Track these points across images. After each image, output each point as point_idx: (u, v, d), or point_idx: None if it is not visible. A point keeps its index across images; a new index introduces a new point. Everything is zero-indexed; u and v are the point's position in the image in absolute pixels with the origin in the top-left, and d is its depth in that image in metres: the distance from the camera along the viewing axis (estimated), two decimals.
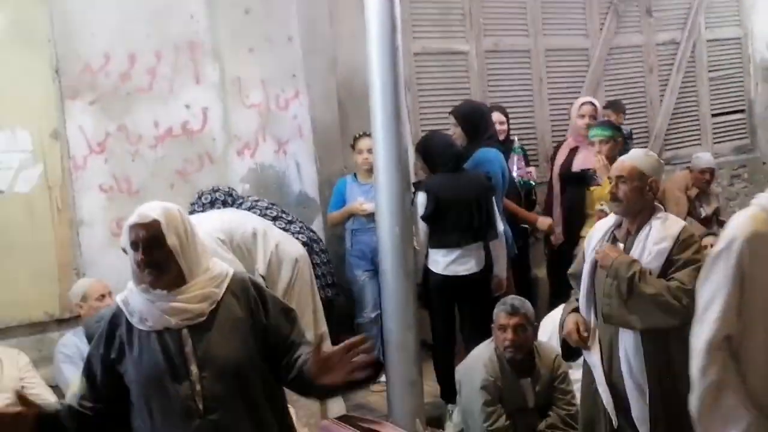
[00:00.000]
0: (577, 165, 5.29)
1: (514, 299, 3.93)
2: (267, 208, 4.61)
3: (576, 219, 5.16)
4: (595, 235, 3.57)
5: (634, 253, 3.36)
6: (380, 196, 4.47)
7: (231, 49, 5.10)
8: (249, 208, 4.54)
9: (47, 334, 4.52)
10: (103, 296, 4.19)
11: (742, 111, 7.49)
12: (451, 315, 4.73)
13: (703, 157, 6.31)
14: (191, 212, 4.34)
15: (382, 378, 4.20)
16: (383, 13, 4.45)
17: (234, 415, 2.32)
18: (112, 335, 2.44)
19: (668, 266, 3.30)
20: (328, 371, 2.21)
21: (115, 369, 2.40)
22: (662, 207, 3.51)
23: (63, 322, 4.57)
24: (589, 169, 5.15)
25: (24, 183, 4.53)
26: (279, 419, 2.44)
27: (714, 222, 6.14)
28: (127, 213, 4.58)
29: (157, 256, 2.34)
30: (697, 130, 7.25)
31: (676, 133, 7.11)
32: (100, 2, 4.75)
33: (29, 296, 4.50)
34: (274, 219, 4.56)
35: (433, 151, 4.79)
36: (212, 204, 4.51)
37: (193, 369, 2.30)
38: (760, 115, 7.52)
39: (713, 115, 7.33)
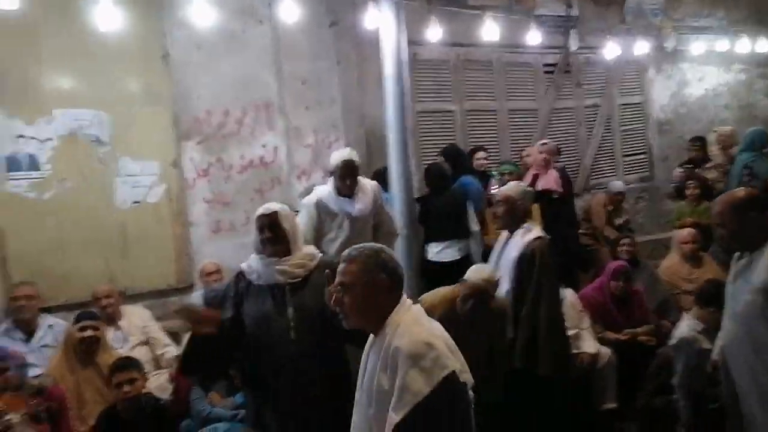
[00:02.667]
0: (540, 186, 5.35)
1: None
2: None
3: None
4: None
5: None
6: (394, 208, 4.62)
7: (293, 107, 5.21)
8: None
9: (167, 298, 4.59)
10: (210, 273, 4.35)
11: (644, 153, 7.58)
12: None
13: (617, 184, 6.40)
14: None
15: None
16: (397, 84, 4.62)
17: (313, 345, 2.42)
18: (236, 288, 2.60)
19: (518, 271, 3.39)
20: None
21: (239, 310, 2.55)
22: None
23: (179, 290, 4.66)
24: (548, 189, 5.30)
25: (153, 196, 4.63)
26: (340, 354, 2.53)
27: (625, 228, 6.26)
28: (221, 217, 4.88)
29: (275, 234, 2.52)
30: (613, 165, 7.32)
31: (598, 168, 7.19)
32: (204, 74, 4.87)
33: (155, 272, 4.60)
34: None
35: (431, 176, 4.96)
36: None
37: (290, 311, 2.44)
38: (656, 155, 7.59)
39: (624, 156, 7.40)
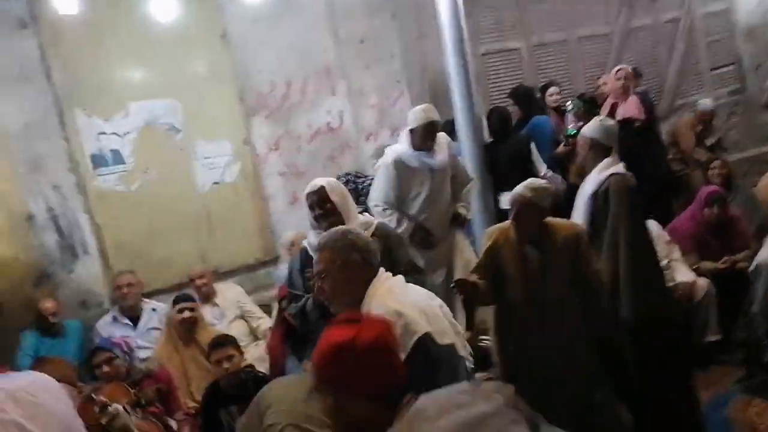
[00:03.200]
0: (620, 115, 4.96)
1: None
2: None
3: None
4: None
5: None
6: (464, 154, 4.51)
7: (353, 68, 5.12)
8: (369, 184, 4.47)
9: (256, 272, 4.73)
10: (294, 244, 4.37)
11: (732, 64, 6.96)
12: None
13: (705, 102, 5.94)
14: None
15: None
16: (454, 30, 4.45)
17: None
18: (303, 262, 2.65)
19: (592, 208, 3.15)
20: None
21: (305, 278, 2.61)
22: None
23: (266, 263, 4.78)
24: (629, 117, 4.95)
25: (229, 175, 4.71)
26: None
27: (717, 148, 5.84)
28: (297, 188, 4.95)
29: (326, 208, 2.53)
30: (700, 82, 6.78)
31: (683, 86, 6.69)
32: (263, 49, 4.85)
33: (241, 248, 4.72)
34: None
35: (491, 123, 4.78)
36: (345, 183, 4.45)
37: None
38: (746, 66, 6.94)
39: (711, 70, 6.83)
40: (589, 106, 5.19)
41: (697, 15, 6.72)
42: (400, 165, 3.81)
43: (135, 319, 4.01)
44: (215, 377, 3.05)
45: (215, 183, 4.69)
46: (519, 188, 2.75)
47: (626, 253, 3.08)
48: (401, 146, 3.88)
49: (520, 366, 2.72)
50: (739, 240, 4.12)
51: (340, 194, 2.60)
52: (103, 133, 4.41)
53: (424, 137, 3.78)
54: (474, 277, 2.80)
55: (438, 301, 1.88)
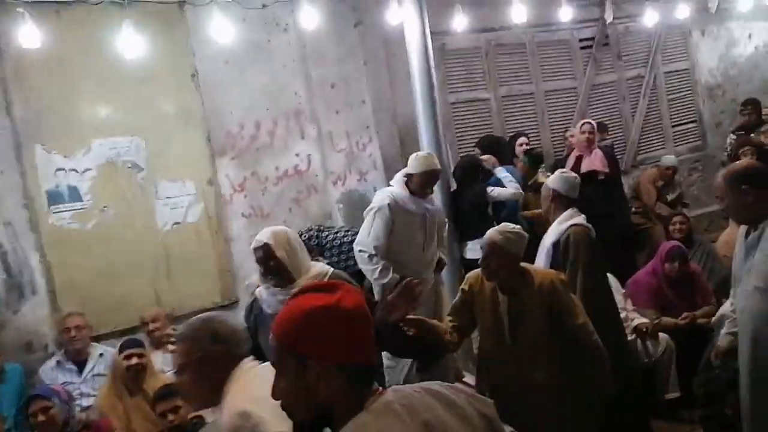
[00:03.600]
0: (584, 167, 5.07)
1: None
2: (345, 234, 4.47)
3: None
4: None
5: None
6: None
7: (323, 112, 5.09)
8: (333, 238, 4.46)
9: None
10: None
11: (694, 121, 7.14)
12: None
13: (668, 158, 6.08)
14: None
15: None
16: (424, 78, 4.51)
17: None
18: (250, 314, 2.56)
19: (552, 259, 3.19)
20: (393, 310, 2.12)
21: (256, 338, 2.47)
22: None
23: (225, 307, 4.61)
24: (594, 171, 5.01)
25: (192, 216, 4.60)
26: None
27: (678, 204, 5.92)
28: (261, 230, 4.81)
29: (271, 265, 2.43)
30: (662, 138, 6.94)
31: (646, 142, 6.83)
32: (233, 90, 4.81)
33: (201, 291, 4.57)
34: (352, 241, 4.13)
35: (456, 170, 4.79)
36: (308, 240, 4.37)
37: None
38: (707, 122, 7.15)
39: (673, 126, 7.00)
40: (534, 160, 5.28)
41: (660, 73, 6.91)
42: (396, 208, 3.74)
43: (81, 364, 3.81)
44: (161, 430, 2.88)
45: (176, 223, 4.56)
46: (490, 231, 2.69)
47: (584, 304, 3.04)
48: (397, 189, 3.82)
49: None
50: (699, 295, 4.12)
51: (286, 249, 2.46)
52: (62, 170, 4.27)
53: (424, 184, 3.77)
54: (447, 319, 2.74)
55: None
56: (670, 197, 5.84)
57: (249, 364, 1.67)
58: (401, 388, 1.27)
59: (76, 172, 4.31)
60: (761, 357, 2.44)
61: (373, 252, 3.72)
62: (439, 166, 3.83)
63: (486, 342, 2.72)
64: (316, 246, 4.37)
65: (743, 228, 2.59)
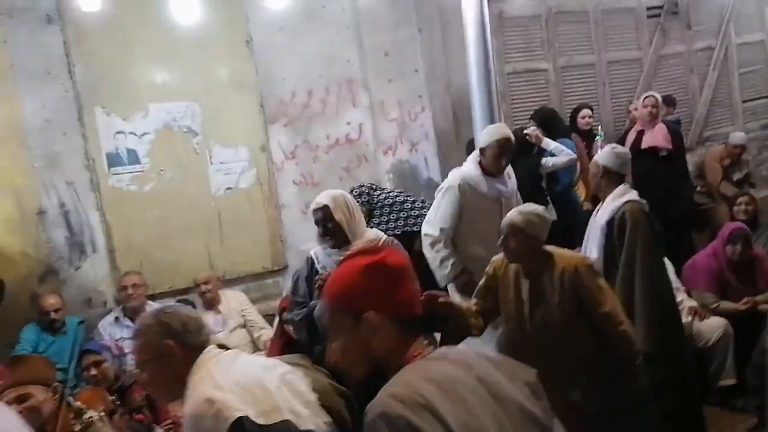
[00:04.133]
0: (645, 143, 4.85)
1: None
2: (398, 195, 4.39)
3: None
4: None
5: None
6: None
7: (376, 81, 5.04)
8: (384, 198, 4.33)
9: (264, 281, 4.65)
10: None
11: (766, 97, 6.73)
12: None
13: (737, 135, 5.76)
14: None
15: None
16: (480, 48, 4.32)
17: None
18: (310, 271, 2.61)
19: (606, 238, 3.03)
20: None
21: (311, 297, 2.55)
22: None
23: (274, 272, 4.70)
24: (655, 146, 4.80)
25: (244, 181, 4.65)
26: None
27: (745, 183, 5.62)
28: (311, 198, 4.79)
29: (330, 227, 2.47)
30: (731, 114, 6.57)
31: (714, 118, 6.48)
32: (287, 57, 4.80)
33: (252, 255, 4.64)
34: (403, 202, 4.29)
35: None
36: (359, 195, 4.26)
37: None
38: None
39: (743, 102, 6.61)
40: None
41: (731, 45, 6.52)
42: (467, 188, 3.41)
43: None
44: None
45: (229, 188, 4.63)
46: (511, 212, 2.56)
47: (642, 285, 2.94)
48: (468, 168, 3.49)
49: None
50: (761, 280, 3.92)
51: (345, 212, 2.53)
52: (121, 133, 4.39)
53: (497, 156, 3.40)
54: (472, 302, 2.66)
55: (280, 370, 1.62)
56: (736, 177, 5.55)
57: (212, 352, 1.63)
58: (455, 347, 1.31)
59: (135, 135, 4.42)
60: None
61: (438, 235, 3.43)
62: (512, 136, 3.49)
63: (507, 327, 2.61)
64: (366, 203, 4.25)
65: None
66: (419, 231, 3.71)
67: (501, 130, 3.50)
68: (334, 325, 1.29)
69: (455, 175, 3.52)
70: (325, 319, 1.30)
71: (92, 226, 4.28)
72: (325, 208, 2.51)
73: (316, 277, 2.51)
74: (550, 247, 2.57)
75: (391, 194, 4.42)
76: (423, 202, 4.40)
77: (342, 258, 1.34)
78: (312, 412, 1.56)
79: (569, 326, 2.47)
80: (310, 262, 2.64)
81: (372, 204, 4.41)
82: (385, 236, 2.63)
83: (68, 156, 4.24)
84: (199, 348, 1.63)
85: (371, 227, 4.40)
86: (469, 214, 3.42)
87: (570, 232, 4.31)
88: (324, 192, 2.67)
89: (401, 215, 4.23)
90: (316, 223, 2.55)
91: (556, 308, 2.47)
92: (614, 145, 3.50)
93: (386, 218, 4.28)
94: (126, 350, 3.43)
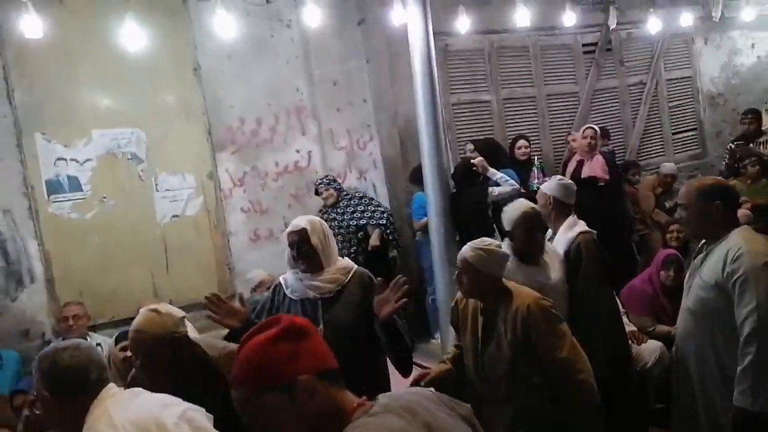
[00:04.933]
0: (585, 173, 5.03)
1: None
2: (357, 191, 4.91)
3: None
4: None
5: None
6: (430, 207, 4.46)
7: (325, 110, 5.09)
8: (347, 193, 4.82)
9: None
10: (269, 287, 4.22)
11: (694, 129, 7.13)
12: None
13: (668, 165, 6.04)
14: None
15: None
16: (426, 79, 4.45)
17: (344, 360, 2.30)
18: (273, 300, 2.56)
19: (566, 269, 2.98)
20: (384, 305, 2.21)
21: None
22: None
23: None
24: (594, 177, 4.99)
25: (191, 209, 4.61)
26: (375, 368, 2.42)
27: (677, 211, 5.88)
28: (259, 225, 4.84)
29: (305, 250, 2.43)
30: (662, 145, 6.93)
31: (646, 148, 6.82)
32: (235, 85, 4.81)
33: (198, 283, 4.52)
34: (362, 197, 4.84)
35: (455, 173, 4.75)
36: (332, 182, 4.76)
37: (321, 327, 2.33)
38: (707, 131, 7.14)
39: (673, 133, 6.99)
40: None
41: (661, 80, 6.90)
42: None
43: None
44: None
45: (175, 216, 4.56)
46: (464, 248, 2.44)
47: (600, 313, 2.99)
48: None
49: None
50: None
51: (321, 237, 2.50)
52: (62, 159, 4.27)
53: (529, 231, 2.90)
54: (450, 347, 2.67)
55: (181, 407, 1.60)
56: (668, 204, 5.82)
57: (112, 390, 1.61)
58: (392, 394, 1.25)
59: (77, 162, 4.30)
60: (683, 369, 2.54)
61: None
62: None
63: (466, 358, 2.53)
64: (336, 189, 4.79)
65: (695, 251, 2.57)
66: (375, 223, 4.62)
67: (526, 205, 2.93)
68: (264, 412, 1.15)
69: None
70: (251, 412, 1.16)
71: (30, 255, 4.13)
72: (302, 231, 2.46)
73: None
74: (510, 284, 2.44)
75: (351, 191, 4.92)
76: (379, 203, 4.89)
77: (241, 344, 1.23)
78: None
79: (515, 370, 2.32)
80: (279, 290, 2.60)
81: (340, 192, 4.77)
82: (355, 267, 2.61)
83: (5, 183, 4.10)
84: (96, 386, 1.60)
85: (338, 212, 4.72)
86: None
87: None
88: (300, 216, 2.63)
89: (359, 208, 4.76)
90: (291, 246, 2.47)
91: (505, 349, 2.33)
92: (560, 177, 3.63)
93: (351, 209, 4.75)
94: None
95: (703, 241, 2.48)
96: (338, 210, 4.76)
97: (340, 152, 5.14)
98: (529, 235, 2.78)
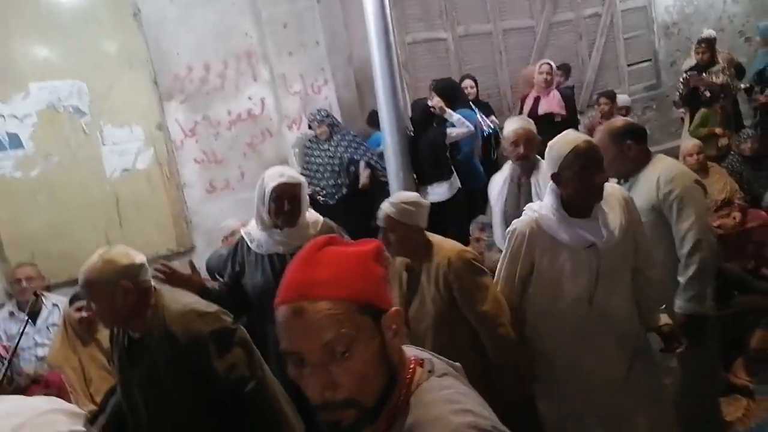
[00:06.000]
0: (542, 109, 5.00)
1: (483, 218, 3.53)
2: (357, 135, 4.78)
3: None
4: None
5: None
6: (387, 151, 4.40)
7: (276, 54, 4.87)
8: (344, 133, 4.70)
9: (170, 263, 4.48)
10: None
11: (649, 60, 7.12)
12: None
13: (622, 98, 6.06)
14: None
15: None
16: (379, 18, 4.31)
17: None
18: (236, 254, 2.52)
19: None
20: None
21: (239, 277, 2.48)
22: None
23: (181, 254, 4.52)
24: (551, 113, 4.96)
25: (142, 162, 4.44)
26: None
27: None
28: (215, 176, 4.71)
29: (294, 207, 2.37)
30: (617, 77, 6.91)
31: (602, 81, 6.77)
32: (179, 29, 4.58)
33: (154, 238, 4.45)
34: (347, 133, 4.71)
35: (412, 115, 4.67)
36: (326, 117, 4.64)
37: None
38: (662, 62, 7.13)
39: (628, 65, 6.97)
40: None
41: (616, 11, 6.82)
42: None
43: (34, 315, 3.70)
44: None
45: (125, 170, 4.40)
46: (385, 203, 2.33)
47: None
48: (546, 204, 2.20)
49: None
50: None
51: (305, 195, 2.47)
52: (0, 116, 4.04)
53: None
54: None
55: (17, 420, 1.13)
56: None
57: None
58: (418, 350, 1.09)
59: (16, 118, 4.09)
60: None
61: None
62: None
63: None
64: (330, 123, 4.67)
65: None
66: (366, 161, 4.56)
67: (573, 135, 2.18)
68: (347, 335, 0.90)
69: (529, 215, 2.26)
70: (334, 328, 0.89)
71: None
72: (297, 186, 2.38)
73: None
74: (432, 236, 2.36)
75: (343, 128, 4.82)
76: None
77: (309, 245, 0.99)
78: None
79: (441, 326, 2.25)
80: (243, 244, 2.52)
81: (333, 128, 4.67)
82: (323, 219, 2.53)
83: None
84: None
85: (331, 145, 4.67)
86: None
87: (473, 198, 4.44)
88: (287, 168, 2.53)
89: (353, 145, 4.65)
90: (280, 197, 2.35)
91: (429, 305, 2.26)
92: (522, 116, 3.61)
93: (345, 143, 4.64)
94: (29, 344, 3.21)
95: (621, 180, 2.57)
96: (331, 143, 4.65)
97: (294, 97, 4.97)
98: (583, 177, 2.03)
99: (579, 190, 2.04)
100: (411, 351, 1.04)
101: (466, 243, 3.30)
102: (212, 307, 1.99)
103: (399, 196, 2.37)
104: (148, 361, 1.94)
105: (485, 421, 0.89)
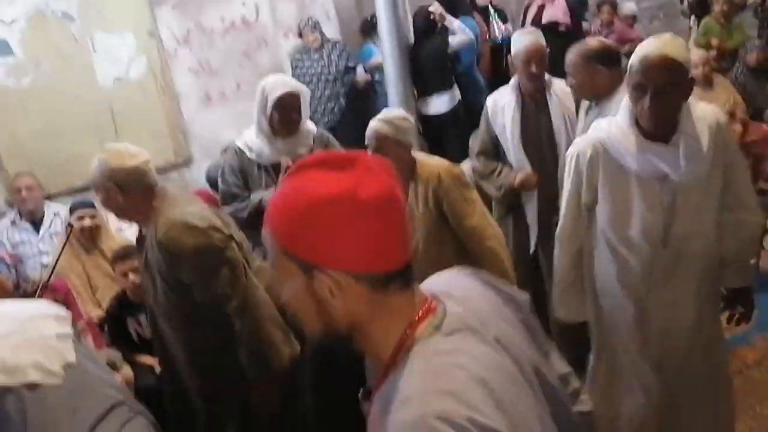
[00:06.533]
0: (546, 17, 4.83)
1: None
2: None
3: None
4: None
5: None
6: (386, 60, 4.30)
7: None
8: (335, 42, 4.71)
9: (167, 174, 4.43)
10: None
11: None
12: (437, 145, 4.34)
13: (627, 6, 5.88)
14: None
15: None
16: None
17: None
18: (239, 165, 2.50)
19: None
20: None
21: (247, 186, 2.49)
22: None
23: (179, 165, 4.52)
24: (555, 22, 4.80)
25: (135, 71, 4.34)
26: None
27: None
28: (210, 87, 4.62)
29: (294, 117, 2.39)
30: None
31: None
32: None
33: (151, 149, 4.22)
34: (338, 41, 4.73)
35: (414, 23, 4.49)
36: (314, 27, 4.59)
37: None
38: None
39: None
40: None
41: None
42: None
43: (37, 223, 3.73)
44: (122, 288, 2.91)
45: (118, 79, 4.30)
46: (373, 121, 2.26)
47: None
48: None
49: None
50: None
51: (306, 106, 2.45)
52: None
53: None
54: None
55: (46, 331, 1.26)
56: (628, 47, 5.72)
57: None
58: (456, 289, 0.94)
59: (3, 22, 3.96)
60: None
61: None
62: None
63: None
64: (320, 34, 4.68)
65: (585, 105, 2.59)
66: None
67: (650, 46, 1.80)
68: (275, 263, 0.88)
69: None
70: (269, 254, 0.90)
71: None
72: (298, 97, 2.38)
73: (285, 162, 2.34)
74: (416, 154, 2.35)
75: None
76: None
77: (295, 164, 0.91)
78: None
79: (430, 244, 2.23)
80: (240, 155, 2.49)
81: (323, 37, 4.66)
82: (315, 129, 2.54)
83: None
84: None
85: (324, 54, 4.63)
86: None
87: (472, 111, 4.37)
88: (287, 77, 2.56)
89: (344, 54, 4.67)
90: (282, 108, 2.35)
91: (417, 224, 2.23)
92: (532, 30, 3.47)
93: (338, 52, 4.65)
94: (33, 252, 3.26)
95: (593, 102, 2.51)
96: (324, 52, 4.61)
97: (290, 3, 4.81)
98: (659, 96, 1.67)
99: (653, 110, 1.67)
100: (434, 287, 0.94)
101: (466, 157, 3.28)
102: (206, 222, 1.91)
103: (387, 113, 2.30)
104: (147, 257, 1.99)
105: (462, 410, 0.75)
